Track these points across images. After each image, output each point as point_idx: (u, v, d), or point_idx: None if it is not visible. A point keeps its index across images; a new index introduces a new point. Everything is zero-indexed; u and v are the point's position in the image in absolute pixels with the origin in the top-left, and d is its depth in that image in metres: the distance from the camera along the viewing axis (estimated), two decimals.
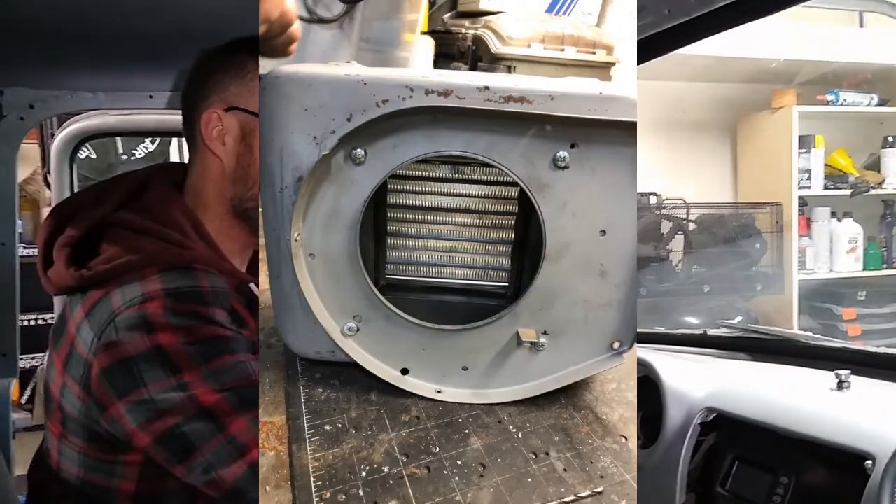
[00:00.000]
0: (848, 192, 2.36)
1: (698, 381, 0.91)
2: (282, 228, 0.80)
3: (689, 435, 0.85)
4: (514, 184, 0.79)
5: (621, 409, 0.88)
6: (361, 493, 0.69)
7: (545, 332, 0.85)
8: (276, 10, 0.69)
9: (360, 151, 0.76)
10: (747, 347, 1.07)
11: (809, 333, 1.12)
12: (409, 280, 0.97)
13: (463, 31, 2.31)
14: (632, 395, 0.91)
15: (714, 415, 0.84)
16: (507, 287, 0.95)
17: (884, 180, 2.40)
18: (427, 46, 2.08)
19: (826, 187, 2.35)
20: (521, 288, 0.90)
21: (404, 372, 0.89)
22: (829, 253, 2.40)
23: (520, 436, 0.81)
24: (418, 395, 0.87)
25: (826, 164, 2.37)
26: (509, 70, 2.19)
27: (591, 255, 0.81)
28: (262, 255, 0.85)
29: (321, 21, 1.47)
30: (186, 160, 0.81)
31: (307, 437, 0.78)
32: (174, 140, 2.57)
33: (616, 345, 0.86)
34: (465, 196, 0.90)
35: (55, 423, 0.70)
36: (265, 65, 0.75)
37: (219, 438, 0.61)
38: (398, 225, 0.92)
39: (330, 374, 0.92)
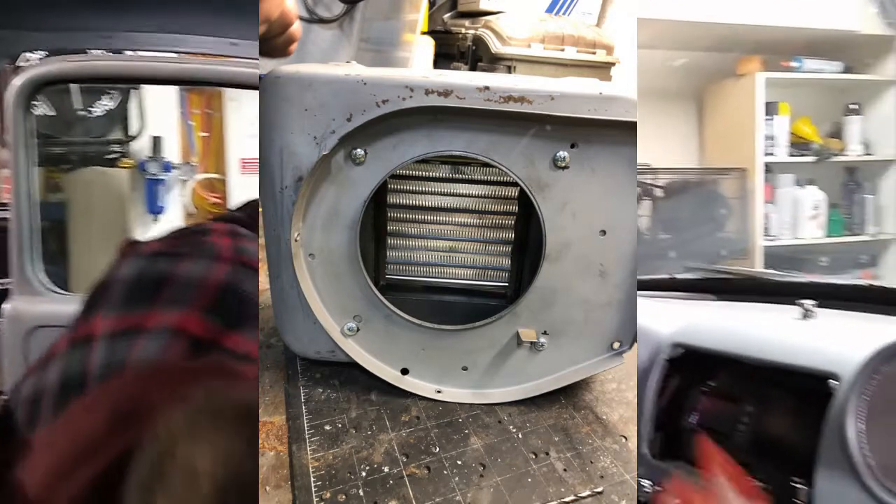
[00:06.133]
0: (812, 158, 2.37)
1: (666, 320, 0.90)
2: (282, 228, 0.80)
3: (655, 370, 0.85)
4: (514, 184, 0.79)
5: (621, 409, 0.88)
6: (361, 493, 0.69)
7: (545, 332, 0.85)
8: (276, 10, 0.69)
9: (360, 151, 0.76)
10: (714, 289, 1.07)
11: (775, 271, 1.12)
12: (409, 280, 0.97)
13: (463, 31, 2.32)
14: (632, 395, 0.91)
15: (682, 351, 0.84)
16: (507, 287, 0.95)
17: (844, 147, 2.42)
18: (427, 46, 2.08)
19: (791, 154, 2.36)
20: (521, 288, 0.90)
21: (404, 372, 0.89)
22: (793, 219, 2.41)
23: (520, 436, 0.81)
24: (418, 395, 0.87)
25: (791, 133, 2.38)
26: (509, 70, 2.20)
27: (591, 255, 0.81)
28: (262, 255, 0.85)
29: (321, 21, 1.47)
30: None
31: (307, 437, 0.78)
32: (132, 97, 2.32)
33: (616, 345, 0.86)
34: (465, 196, 0.90)
35: None
36: (265, 65, 0.76)
37: None
38: (398, 225, 0.93)
39: (330, 374, 0.92)
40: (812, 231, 2.41)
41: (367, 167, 0.78)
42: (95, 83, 2.16)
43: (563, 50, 2.26)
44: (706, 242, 2.32)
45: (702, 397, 0.78)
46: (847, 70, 2.38)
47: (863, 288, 0.87)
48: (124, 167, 2.26)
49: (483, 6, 2.32)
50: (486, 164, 0.78)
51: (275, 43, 0.72)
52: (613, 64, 2.37)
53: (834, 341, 0.68)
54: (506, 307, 0.85)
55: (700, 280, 1.11)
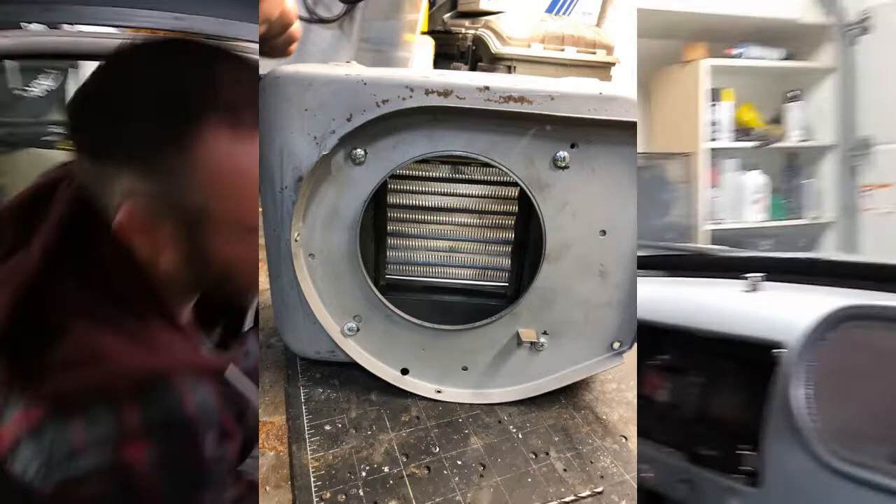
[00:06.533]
0: (754, 144, 2.41)
1: None
2: (282, 228, 0.80)
3: None
4: (514, 184, 0.79)
5: (621, 409, 0.88)
6: (361, 493, 0.69)
7: (545, 332, 0.85)
8: (276, 10, 0.69)
9: (360, 151, 0.76)
10: (664, 265, 1.08)
11: (722, 246, 1.12)
12: (409, 280, 0.97)
13: (463, 31, 2.32)
14: (632, 395, 0.91)
15: None
16: (507, 287, 0.95)
17: (783, 133, 2.46)
18: (427, 46, 2.08)
19: (735, 140, 2.41)
20: (521, 288, 0.90)
21: (404, 372, 0.89)
22: (737, 203, 2.46)
23: (520, 436, 0.81)
24: (418, 395, 0.87)
25: (735, 119, 2.42)
26: (509, 70, 2.20)
27: (591, 255, 0.81)
28: (262, 255, 0.85)
29: (321, 21, 1.47)
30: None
31: (307, 437, 0.78)
32: (71, 76, 2.17)
33: (616, 345, 0.86)
34: (465, 196, 0.90)
35: None
36: (265, 65, 0.76)
37: None
38: (398, 225, 0.93)
39: (330, 374, 0.92)
40: (755, 215, 2.45)
41: (367, 167, 0.78)
42: (34, 60, 2.00)
43: (563, 50, 2.27)
44: (653, 226, 2.35)
45: (652, 370, 0.79)
46: (788, 58, 2.42)
47: (807, 261, 0.89)
48: (64, 149, 2.19)
49: (483, 6, 2.32)
50: (486, 164, 0.78)
51: (275, 43, 0.72)
52: (613, 64, 2.37)
53: (779, 311, 0.69)
54: (506, 307, 0.85)
55: (650, 257, 1.12)
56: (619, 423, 0.84)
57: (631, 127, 0.73)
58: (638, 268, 1.09)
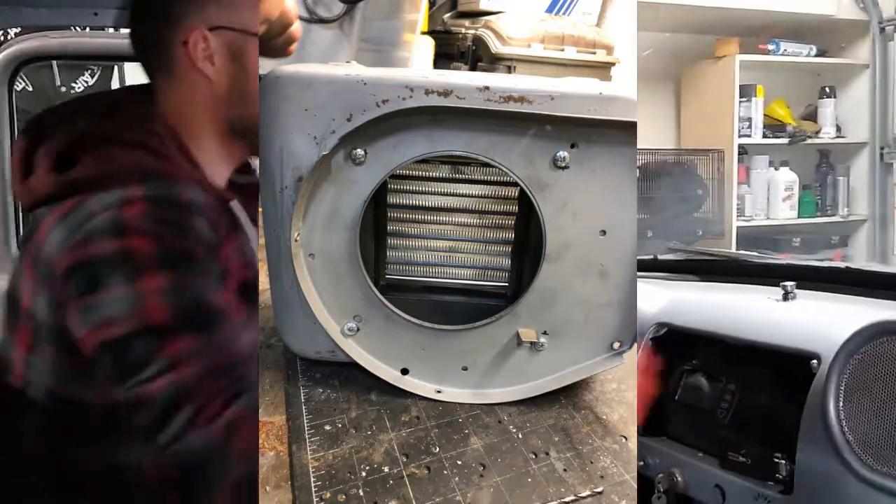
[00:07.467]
0: (785, 140, 2.40)
1: (650, 300, 0.91)
2: (282, 228, 0.80)
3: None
4: (514, 184, 0.79)
5: (621, 409, 0.88)
6: (361, 493, 0.69)
7: (545, 332, 0.85)
8: (276, 10, 0.69)
9: (360, 151, 0.76)
10: (696, 270, 1.08)
11: (755, 252, 1.12)
12: (409, 280, 0.97)
13: (463, 31, 2.32)
14: (632, 395, 0.91)
15: (665, 329, 0.85)
16: (507, 287, 0.95)
17: (819, 130, 2.45)
18: (427, 46, 2.08)
19: (765, 136, 2.39)
20: (521, 288, 0.90)
21: (404, 372, 0.89)
22: (767, 200, 2.45)
23: (520, 436, 0.81)
24: (418, 395, 0.87)
25: (765, 115, 2.41)
26: (509, 70, 2.20)
27: (591, 255, 0.81)
28: (262, 255, 0.85)
29: (321, 21, 1.47)
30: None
31: (307, 437, 0.78)
32: (115, 75, 2.37)
33: (616, 345, 0.86)
34: (465, 196, 0.90)
35: (24, 334, 0.66)
36: (265, 65, 0.75)
37: (153, 356, 0.58)
38: (398, 225, 0.93)
39: (330, 374, 0.92)
40: (785, 212, 2.44)
41: (367, 167, 0.78)
42: (78, 60, 2.15)
43: (563, 50, 2.27)
44: (683, 222, 2.34)
45: (685, 375, 0.79)
46: (821, 53, 2.41)
47: (840, 270, 0.89)
48: None
49: (483, 6, 2.32)
50: (486, 164, 0.78)
51: (275, 43, 0.72)
52: (613, 64, 2.37)
53: (814, 323, 0.70)
54: (506, 307, 0.85)
55: (682, 261, 1.12)
56: (619, 423, 0.84)
57: (631, 127, 0.73)
58: (670, 271, 1.09)
